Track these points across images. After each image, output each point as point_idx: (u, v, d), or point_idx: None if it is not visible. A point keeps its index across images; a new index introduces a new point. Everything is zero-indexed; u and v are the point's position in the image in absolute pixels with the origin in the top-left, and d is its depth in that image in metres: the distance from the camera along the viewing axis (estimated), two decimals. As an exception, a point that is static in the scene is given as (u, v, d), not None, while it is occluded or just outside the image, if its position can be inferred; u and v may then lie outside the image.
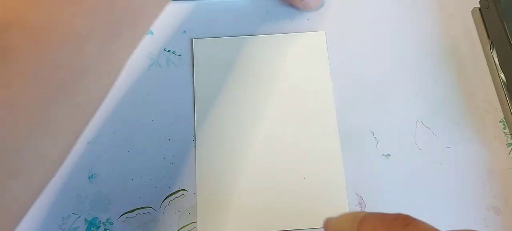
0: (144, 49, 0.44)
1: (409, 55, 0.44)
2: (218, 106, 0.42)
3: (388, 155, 0.40)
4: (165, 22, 0.46)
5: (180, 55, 0.44)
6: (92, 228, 0.38)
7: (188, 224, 0.38)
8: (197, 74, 0.43)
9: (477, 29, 0.45)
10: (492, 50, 0.43)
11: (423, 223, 0.25)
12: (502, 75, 0.42)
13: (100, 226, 0.38)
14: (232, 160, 0.40)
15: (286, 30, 0.45)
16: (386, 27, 0.45)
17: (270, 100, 0.42)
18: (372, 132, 0.41)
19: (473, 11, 0.46)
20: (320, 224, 0.38)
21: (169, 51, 0.44)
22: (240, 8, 0.47)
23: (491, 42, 0.43)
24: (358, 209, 0.38)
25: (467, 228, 0.25)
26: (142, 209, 0.39)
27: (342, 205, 0.38)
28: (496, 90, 0.42)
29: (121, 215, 0.38)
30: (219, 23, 0.46)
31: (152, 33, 0.45)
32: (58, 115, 0.24)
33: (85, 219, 0.38)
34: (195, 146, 0.41)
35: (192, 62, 0.44)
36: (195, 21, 0.46)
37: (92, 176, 0.40)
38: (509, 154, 0.40)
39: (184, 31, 0.45)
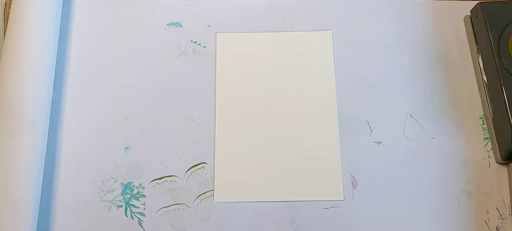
0: (173, 40, 0.51)
1: (405, 55, 0.50)
2: (236, 93, 0.49)
3: (380, 142, 0.47)
4: (192, 16, 0.52)
5: (205, 47, 0.50)
6: (127, 190, 0.45)
7: (207, 191, 0.45)
8: (219, 64, 0.50)
9: (467, 35, 0.50)
10: (478, 55, 0.48)
11: None
12: (484, 78, 0.47)
13: (134, 189, 0.45)
14: (246, 139, 0.47)
15: (298, 28, 0.51)
16: (386, 30, 0.51)
17: (281, 90, 0.49)
18: (367, 122, 0.47)
19: (465, 19, 0.51)
20: (318, 197, 0.45)
21: (195, 42, 0.51)
22: (259, 6, 0.52)
23: (478, 47, 0.48)
24: (350, 186, 0.45)
25: None
26: (169, 177, 0.46)
27: (336, 182, 0.45)
28: (479, 91, 0.48)
29: (152, 181, 0.46)
30: (239, 19, 0.51)
31: (181, 25, 0.51)
32: None
33: (121, 183, 0.46)
34: (215, 126, 0.48)
35: (215, 53, 0.50)
36: (219, 17, 0.52)
37: (127, 147, 0.47)
38: (484, 146, 0.47)
39: (209, 25, 0.51)
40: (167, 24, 0.51)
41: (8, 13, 0.50)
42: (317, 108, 0.48)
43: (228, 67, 0.50)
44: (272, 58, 0.50)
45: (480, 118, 0.48)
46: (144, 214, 0.45)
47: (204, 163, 0.46)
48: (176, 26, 0.51)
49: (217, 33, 0.51)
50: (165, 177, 0.46)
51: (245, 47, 0.51)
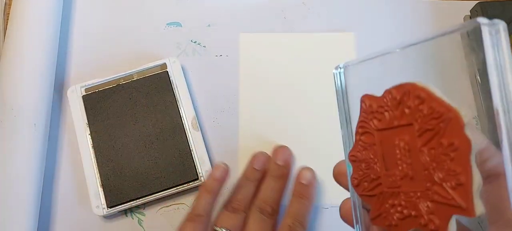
0: (174, 40, 0.51)
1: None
2: (256, 93, 0.49)
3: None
4: (192, 16, 0.52)
5: (204, 46, 0.51)
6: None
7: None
8: (242, 64, 0.50)
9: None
10: (473, 54, 0.48)
11: None
12: (478, 77, 0.48)
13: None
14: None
15: (298, 28, 0.51)
16: (385, 29, 0.51)
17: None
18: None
19: (464, 18, 0.51)
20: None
21: (195, 42, 0.51)
22: (259, 6, 0.52)
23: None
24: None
25: None
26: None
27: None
28: (472, 90, 0.48)
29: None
30: (239, 19, 0.51)
31: (181, 25, 0.52)
32: None
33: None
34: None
35: (239, 54, 0.50)
36: (219, 16, 0.52)
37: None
38: (481, 146, 0.47)
39: (209, 25, 0.52)
40: (167, 24, 0.52)
41: (8, 13, 0.50)
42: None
43: (250, 67, 0.50)
44: (294, 59, 0.50)
45: (473, 118, 0.47)
46: (144, 213, 0.45)
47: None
48: (176, 26, 0.52)
49: (241, 33, 0.51)
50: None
51: (267, 47, 0.50)
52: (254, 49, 0.50)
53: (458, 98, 0.48)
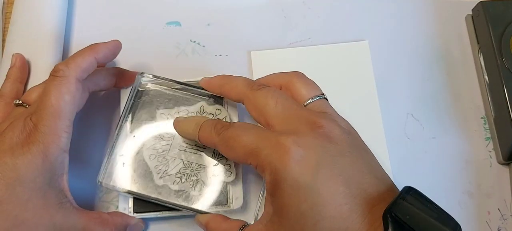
0: (173, 39, 0.50)
1: (405, 54, 0.50)
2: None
3: (381, 142, 0.47)
4: (191, 15, 0.51)
5: (204, 46, 0.50)
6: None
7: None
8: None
9: (469, 34, 0.50)
10: (480, 54, 0.48)
11: (238, 123, 0.36)
12: (486, 77, 0.47)
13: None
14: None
15: (298, 28, 0.51)
16: (387, 28, 0.51)
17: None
18: (367, 121, 0.47)
19: (466, 18, 0.51)
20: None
21: (194, 42, 0.51)
22: (258, 5, 0.52)
23: (479, 46, 0.48)
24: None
25: None
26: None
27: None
28: (480, 90, 0.48)
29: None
30: (238, 18, 0.51)
31: (180, 24, 0.51)
32: None
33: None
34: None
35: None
36: (218, 15, 0.51)
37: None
38: (486, 146, 0.46)
39: (208, 24, 0.51)
40: (166, 23, 0.51)
41: (7, 13, 0.50)
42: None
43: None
44: (309, 73, 0.44)
45: (481, 118, 0.47)
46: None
47: (203, 163, 0.46)
48: (175, 25, 0.51)
49: (251, 52, 0.49)
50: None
51: (280, 63, 0.47)
52: (268, 67, 0.45)
53: (466, 97, 0.48)
